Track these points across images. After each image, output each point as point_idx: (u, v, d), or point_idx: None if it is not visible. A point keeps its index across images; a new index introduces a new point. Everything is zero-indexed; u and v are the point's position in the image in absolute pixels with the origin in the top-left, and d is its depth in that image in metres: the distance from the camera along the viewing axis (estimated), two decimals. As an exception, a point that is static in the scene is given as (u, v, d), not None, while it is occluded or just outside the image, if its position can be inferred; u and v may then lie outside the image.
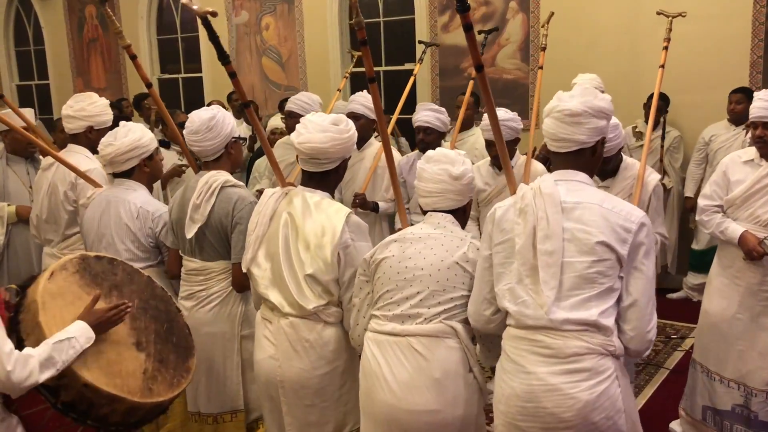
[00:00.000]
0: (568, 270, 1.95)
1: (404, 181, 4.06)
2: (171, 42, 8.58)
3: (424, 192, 2.34)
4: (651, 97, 5.02)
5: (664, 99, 5.19)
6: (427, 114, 3.95)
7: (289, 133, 4.37)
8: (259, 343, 2.54)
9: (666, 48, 3.56)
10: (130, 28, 8.73)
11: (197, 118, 2.75)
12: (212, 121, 2.73)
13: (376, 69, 7.26)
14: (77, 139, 3.47)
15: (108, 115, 3.52)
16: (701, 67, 5.32)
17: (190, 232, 2.73)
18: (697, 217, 3.31)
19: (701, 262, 5.20)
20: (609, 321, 1.94)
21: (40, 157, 4.16)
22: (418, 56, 5.10)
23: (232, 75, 2.54)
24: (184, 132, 2.81)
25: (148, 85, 3.34)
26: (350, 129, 2.45)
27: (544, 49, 4.16)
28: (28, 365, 1.91)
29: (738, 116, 4.94)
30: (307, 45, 7.49)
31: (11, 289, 2.23)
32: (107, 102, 3.55)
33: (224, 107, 6.70)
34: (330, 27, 7.24)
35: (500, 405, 2.05)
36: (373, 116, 3.93)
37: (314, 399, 2.42)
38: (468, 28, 2.18)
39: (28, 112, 4.12)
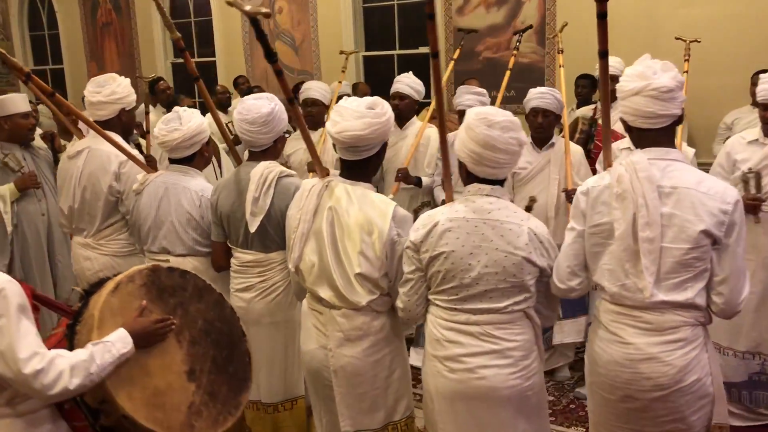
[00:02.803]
0: (666, 255, 2.03)
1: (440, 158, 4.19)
2: (184, 26, 8.55)
3: (493, 162, 2.17)
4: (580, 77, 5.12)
5: (591, 81, 5.25)
6: (470, 98, 4.05)
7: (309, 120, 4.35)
8: (307, 333, 2.52)
9: (687, 61, 3.86)
10: (144, 12, 8.72)
11: (255, 110, 2.68)
12: (269, 117, 2.69)
13: (389, 53, 7.22)
14: (108, 124, 3.34)
15: (134, 94, 3.44)
16: (724, 49, 5.21)
17: (253, 226, 2.69)
18: None
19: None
20: (703, 300, 2.08)
21: (33, 142, 4.09)
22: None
23: (279, 73, 2.39)
24: (236, 117, 2.72)
25: (196, 79, 3.19)
26: (387, 111, 2.33)
27: (561, 51, 4.27)
28: (57, 367, 1.74)
29: None
30: (320, 29, 7.44)
31: (76, 292, 2.13)
32: (129, 81, 3.45)
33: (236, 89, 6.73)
34: (343, 11, 7.18)
35: (599, 368, 2.20)
36: (416, 97, 4.23)
37: (366, 387, 2.42)
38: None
39: (22, 98, 3.98)
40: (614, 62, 4.75)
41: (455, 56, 4.78)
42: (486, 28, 6.31)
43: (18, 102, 3.86)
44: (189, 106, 4.50)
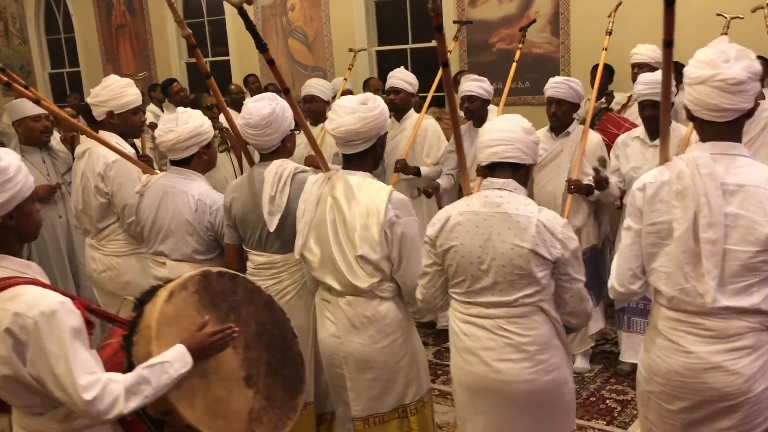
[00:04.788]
0: (730, 258, 1.90)
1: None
2: (197, 26, 8.59)
3: (490, 141, 2.22)
4: (595, 68, 4.87)
5: (609, 70, 5.14)
6: (471, 84, 4.24)
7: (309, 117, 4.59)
8: (320, 323, 2.60)
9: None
10: (157, 13, 8.77)
11: (256, 112, 2.67)
12: (272, 117, 2.66)
13: (402, 47, 7.19)
14: (103, 125, 3.38)
15: (128, 97, 3.34)
16: (748, 36, 5.12)
17: (272, 225, 2.67)
18: None
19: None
20: None
21: (53, 144, 4.11)
22: (453, 35, 5.12)
23: (270, 62, 2.52)
24: (240, 121, 2.72)
25: (207, 76, 3.16)
26: (379, 105, 2.44)
27: (609, 33, 4.13)
28: (112, 393, 1.72)
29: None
30: (333, 25, 7.44)
31: (128, 303, 2.09)
32: (126, 82, 3.37)
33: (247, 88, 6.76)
34: (356, 6, 7.17)
35: (656, 377, 2.09)
36: (411, 89, 4.41)
37: (376, 372, 2.49)
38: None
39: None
40: (643, 50, 4.66)
41: (450, 48, 4.85)
42: (499, 20, 6.27)
43: (27, 105, 3.85)
44: (211, 104, 4.54)
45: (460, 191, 4.43)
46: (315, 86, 4.65)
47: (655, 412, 2.14)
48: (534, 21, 5.00)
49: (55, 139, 4.34)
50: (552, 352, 2.22)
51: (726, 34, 3.82)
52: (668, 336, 2.02)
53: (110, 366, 1.90)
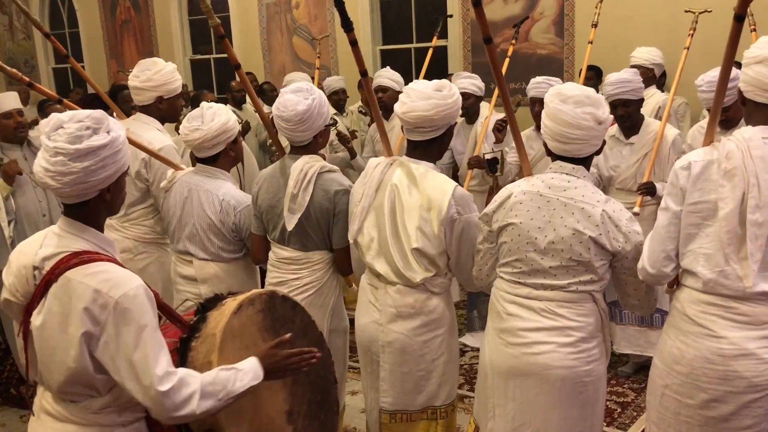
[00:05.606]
0: None
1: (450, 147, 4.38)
2: (202, 23, 8.59)
3: (562, 138, 2.13)
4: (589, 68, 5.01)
5: (597, 72, 5.24)
6: (463, 81, 4.32)
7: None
8: (363, 308, 2.56)
9: (691, 35, 3.87)
10: (162, 8, 8.78)
11: (291, 107, 2.58)
12: (306, 114, 2.58)
13: (407, 46, 7.19)
14: (148, 110, 3.32)
15: (177, 82, 3.34)
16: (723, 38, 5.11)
17: (291, 224, 2.63)
18: None
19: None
20: None
21: (32, 138, 3.97)
22: (443, 30, 5.21)
23: (353, 43, 2.46)
24: (274, 111, 2.67)
25: (237, 66, 3.09)
26: (454, 94, 2.37)
27: (595, 26, 4.34)
28: (189, 387, 1.59)
29: None
30: (337, 23, 7.43)
31: (188, 304, 1.98)
32: (174, 67, 3.35)
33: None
34: (360, 5, 7.17)
35: (678, 366, 2.03)
36: (397, 88, 4.57)
37: (412, 366, 2.45)
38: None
39: (13, 96, 3.96)
40: (640, 53, 4.71)
41: (433, 43, 4.98)
42: (504, 20, 6.27)
43: None
44: (210, 101, 4.50)
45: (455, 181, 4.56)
46: (296, 78, 5.15)
47: (670, 411, 2.08)
48: (527, 17, 5.07)
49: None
50: (596, 344, 2.19)
51: (695, 29, 3.87)
52: (698, 321, 1.98)
53: None
